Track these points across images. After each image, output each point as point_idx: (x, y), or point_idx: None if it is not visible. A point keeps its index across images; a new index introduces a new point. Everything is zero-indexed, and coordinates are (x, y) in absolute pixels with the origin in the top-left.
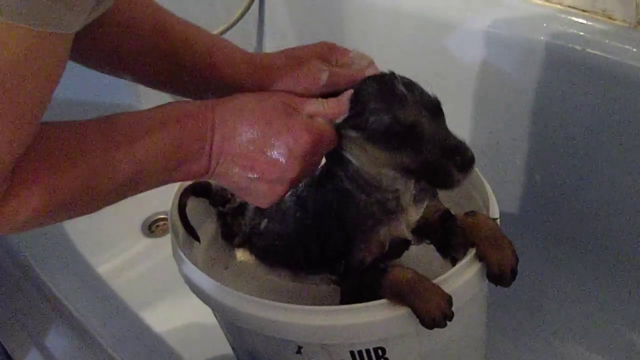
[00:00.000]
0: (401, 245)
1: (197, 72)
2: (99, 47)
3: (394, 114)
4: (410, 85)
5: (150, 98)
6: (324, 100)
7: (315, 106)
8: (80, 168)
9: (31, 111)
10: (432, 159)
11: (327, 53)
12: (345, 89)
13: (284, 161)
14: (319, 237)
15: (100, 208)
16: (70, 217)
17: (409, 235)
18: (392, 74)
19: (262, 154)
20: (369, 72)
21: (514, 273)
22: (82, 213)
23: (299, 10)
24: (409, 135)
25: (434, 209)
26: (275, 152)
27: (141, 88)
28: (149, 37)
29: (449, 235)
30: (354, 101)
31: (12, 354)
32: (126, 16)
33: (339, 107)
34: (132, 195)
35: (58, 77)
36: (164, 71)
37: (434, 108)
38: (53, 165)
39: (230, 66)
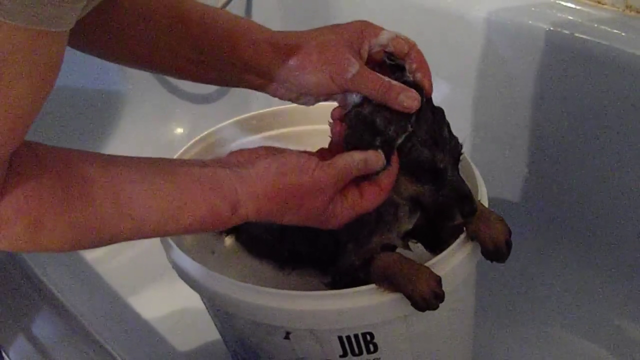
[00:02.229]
0: (390, 249)
1: (218, 56)
2: (113, 39)
3: (434, 154)
4: (450, 130)
5: (140, 84)
6: (358, 158)
7: (347, 169)
8: (76, 220)
9: (19, 117)
10: (445, 201)
11: (360, 35)
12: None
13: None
14: (308, 238)
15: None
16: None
17: (398, 243)
18: (442, 111)
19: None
20: (409, 61)
21: (509, 245)
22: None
23: None
24: (436, 176)
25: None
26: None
27: (130, 74)
28: (165, 25)
29: (440, 230)
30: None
31: None
32: (140, 4)
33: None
34: None
35: (52, 78)
36: (183, 58)
37: (458, 156)
38: (43, 205)
39: (252, 48)
